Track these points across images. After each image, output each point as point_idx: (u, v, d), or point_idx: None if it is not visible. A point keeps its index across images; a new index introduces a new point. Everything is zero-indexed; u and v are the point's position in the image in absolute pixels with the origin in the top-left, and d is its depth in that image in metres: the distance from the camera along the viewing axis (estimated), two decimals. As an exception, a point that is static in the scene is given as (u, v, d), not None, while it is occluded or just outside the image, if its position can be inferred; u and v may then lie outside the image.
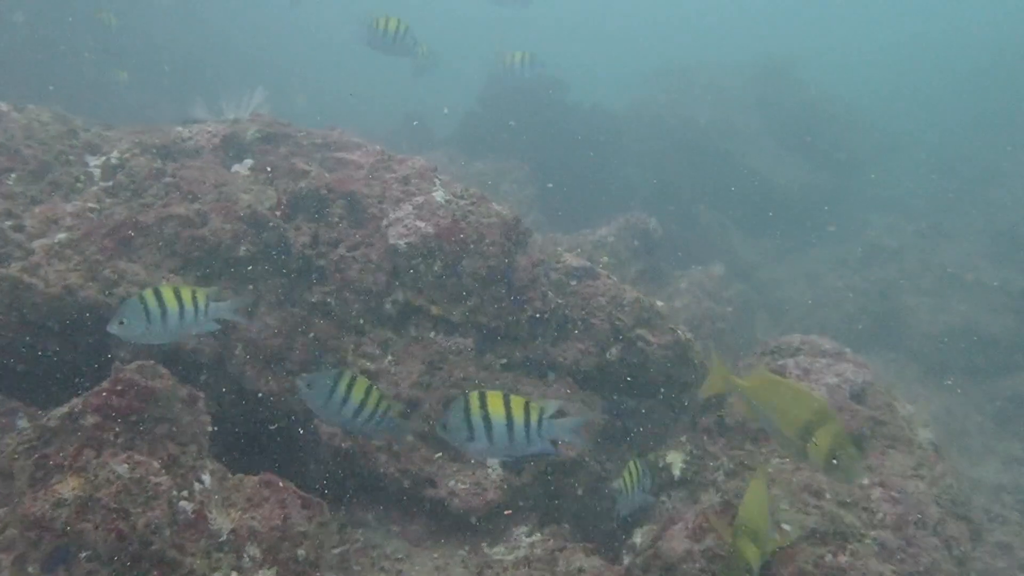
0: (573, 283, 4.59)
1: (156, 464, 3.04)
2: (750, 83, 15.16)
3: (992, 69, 21.85)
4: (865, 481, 3.95)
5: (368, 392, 3.10)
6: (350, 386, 3.06)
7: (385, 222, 4.08)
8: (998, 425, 7.99)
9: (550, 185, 10.28)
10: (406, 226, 4.02)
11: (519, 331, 4.20)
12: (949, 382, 8.58)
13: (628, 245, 6.98)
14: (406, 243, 3.97)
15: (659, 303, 4.89)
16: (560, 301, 4.31)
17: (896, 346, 9.13)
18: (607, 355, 4.47)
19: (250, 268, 3.84)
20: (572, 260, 4.67)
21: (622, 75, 17.22)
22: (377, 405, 3.13)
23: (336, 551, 3.77)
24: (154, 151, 4.12)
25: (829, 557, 3.43)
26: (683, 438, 4.51)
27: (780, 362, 4.48)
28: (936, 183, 15.51)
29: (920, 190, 15.05)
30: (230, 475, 3.33)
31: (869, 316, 9.42)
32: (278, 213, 3.91)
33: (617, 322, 4.51)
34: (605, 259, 6.84)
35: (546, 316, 4.26)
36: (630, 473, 3.87)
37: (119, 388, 3.12)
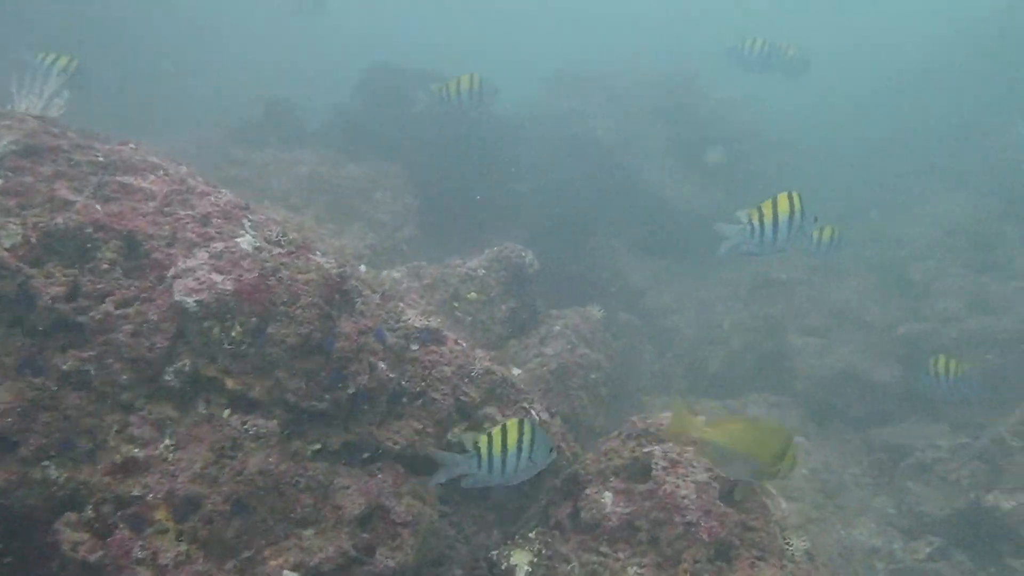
0: (414, 348, 3.94)
1: None
2: (653, 95, 14.86)
3: (891, 91, 22.44)
4: (730, 604, 3.49)
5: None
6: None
7: (172, 272, 3.31)
8: (874, 479, 7.84)
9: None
10: (199, 279, 3.27)
11: (338, 411, 3.51)
12: (829, 430, 8.42)
13: (500, 280, 6.39)
14: (196, 301, 3.22)
15: (516, 371, 4.32)
16: (392, 375, 3.65)
17: (781, 388, 8.92)
18: (449, 436, 3.86)
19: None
20: (415, 320, 4.02)
21: (519, 78, 16.63)
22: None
23: None
24: None
25: None
26: (532, 533, 3.94)
27: (646, 449, 3.97)
28: (831, 209, 15.65)
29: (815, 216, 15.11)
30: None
31: (755, 355, 9.19)
32: (21, 255, 3.08)
33: (463, 397, 3.89)
34: (472, 295, 6.23)
35: (374, 392, 3.59)
36: None
37: None
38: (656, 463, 3.86)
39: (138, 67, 15.96)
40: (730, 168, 14.51)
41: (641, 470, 3.94)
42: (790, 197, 4.14)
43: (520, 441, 3.25)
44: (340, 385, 3.46)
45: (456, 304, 6.13)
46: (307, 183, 9.25)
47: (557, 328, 6.31)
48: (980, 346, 8.05)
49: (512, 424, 3.28)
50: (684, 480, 3.75)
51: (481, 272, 6.35)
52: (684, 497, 3.68)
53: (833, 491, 7.38)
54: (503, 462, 3.22)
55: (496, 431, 3.26)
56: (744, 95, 16.19)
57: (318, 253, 3.61)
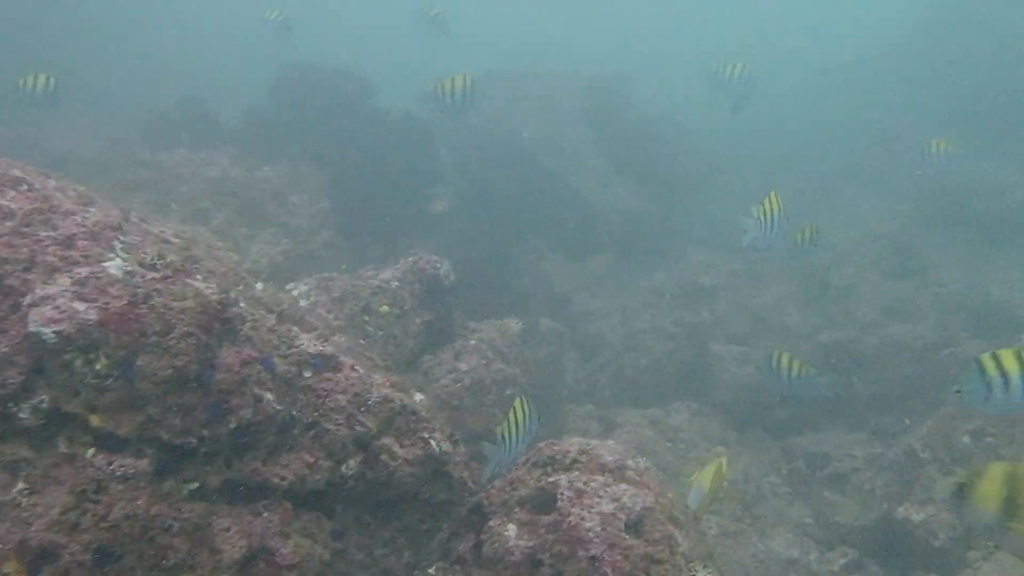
0: (307, 375, 3.73)
1: None
2: (581, 96, 14.84)
3: (813, 91, 22.89)
4: (633, 643, 3.40)
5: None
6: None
7: (28, 300, 3.04)
8: (792, 487, 7.92)
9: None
10: (59, 308, 3.00)
11: (219, 447, 3.29)
12: (749, 438, 8.48)
13: (414, 292, 6.20)
14: (55, 332, 2.96)
15: (419, 397, 4.14)
16: (280, 407, 3.44)
17: (703, 396, 8.96)
18: (343, 469, 3.66)
19: None
20: (309, 345, 3.80)
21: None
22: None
23: None
24: None
25: None
26: (432, 568, 3.79)
27: (552, 479, 3.84)
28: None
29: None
30: None
31: (678, 362, 9.20)
32: None
33: (359, 427, 3.70)
34: (385, 308, 6.03)
35: (259, 426, 3.38)
36: None
37: None
38: (562, 493, 3.74)
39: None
40: (658, 170, 14.60)
41: (547, 500, 3.81)
42: (777, 196, 4.80)
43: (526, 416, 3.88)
44: (220, 420, 3.24)
45: (367, 318, 5.93)
46: (218, 186, 8.90)
47: (473, 342, 6.16)
48: (899, 354, 8.21)
49: (517, 404, 3.90)
50: (589, 512, 3.63)
51: (394, 284, 6.15)
52: (589, 530, 3.56)
53: (751, 501, 7.42)
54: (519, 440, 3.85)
55: (511, 415, 3.82)
56: (671, 96, 16.33)
57: (199, 277, 3.36)
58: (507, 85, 13.92)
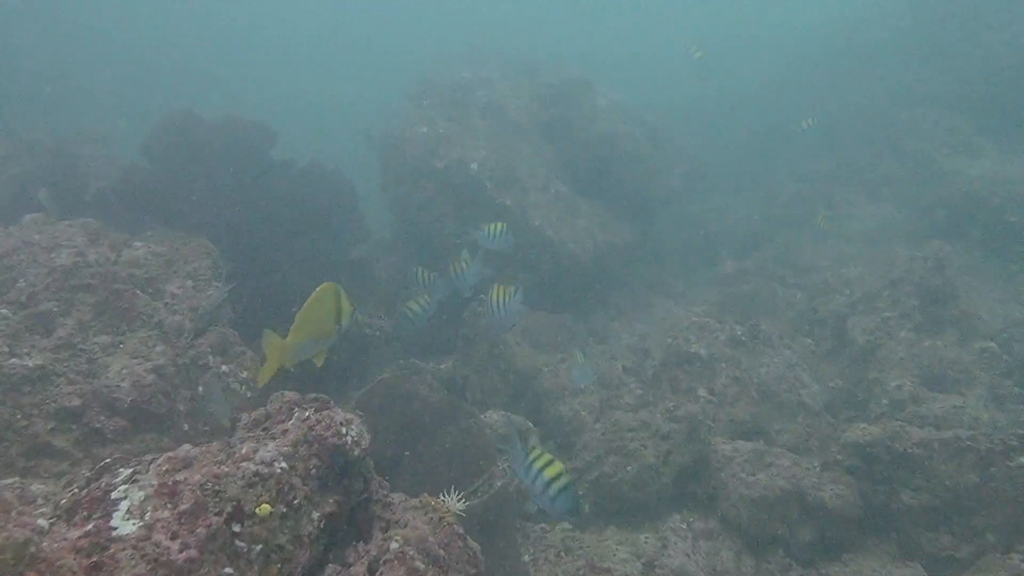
0: None
1: None
2: (537, 106, 13.12)
3: (788, 82, 21.46)
4: None
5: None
6: None
7: None
8: (835, 641, 6.41)
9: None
10: None
11: None
12: (770, 567, 6.94)
13: (310, 473, 4.50)
14: None
15: None
16: None
17: (708, 510, 7.40)
18: None
19: None
20: None
21: (390, 92, 14.65)
22: None
23: None
24: None
25: None
26: None
27: None
28: (741, 235, 14.36)
29: (726, 240, 13.80)
30: None
31: (673, 468, 7.61)
32: None
33: None
34: (265, 509, 4.32)
35: None
36: None
37: None
38: None
39: None
40: (631, 190, 13.00)
41: None
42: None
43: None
44: None
45: (238, 528, 4.21)
46: (69, 276, 7.07)
47: (395, 545, 4.47)
48: (956, 458, 6.67)
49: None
50: None
51: (279, 468, 4.43)
52: None
53: None
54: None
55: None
56: (633, 100, 14.71)
57: None
58: (449, 98, 12.11)
